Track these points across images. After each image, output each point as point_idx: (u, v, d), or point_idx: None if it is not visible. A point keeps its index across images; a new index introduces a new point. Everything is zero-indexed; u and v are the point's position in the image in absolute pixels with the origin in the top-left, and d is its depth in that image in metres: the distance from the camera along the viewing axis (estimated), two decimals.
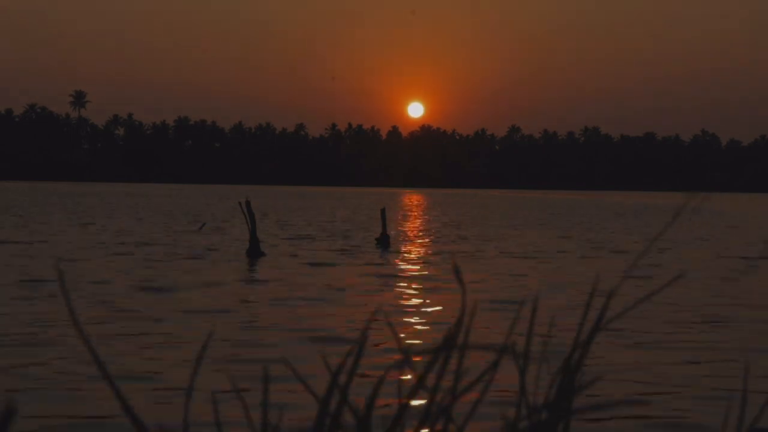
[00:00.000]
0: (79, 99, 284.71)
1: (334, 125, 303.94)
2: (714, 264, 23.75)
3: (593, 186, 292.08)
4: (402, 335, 11.84)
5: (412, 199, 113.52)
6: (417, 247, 28.49)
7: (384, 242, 28.15)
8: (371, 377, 8.45)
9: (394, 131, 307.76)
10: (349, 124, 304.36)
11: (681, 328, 12.83)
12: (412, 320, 13.31)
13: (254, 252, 23.78)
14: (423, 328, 12.61)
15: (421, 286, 17.59)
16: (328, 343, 11.14)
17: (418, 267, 21.84)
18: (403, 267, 21.78)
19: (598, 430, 7.50)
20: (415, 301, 15.50)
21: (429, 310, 14.38)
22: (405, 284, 17.99)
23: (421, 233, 37.12)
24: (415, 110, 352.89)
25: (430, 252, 26.65)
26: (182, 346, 10.80)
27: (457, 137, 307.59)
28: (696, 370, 9.95)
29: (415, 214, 62.35)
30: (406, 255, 25.33)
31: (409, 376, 8.78)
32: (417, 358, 8.85)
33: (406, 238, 33.01)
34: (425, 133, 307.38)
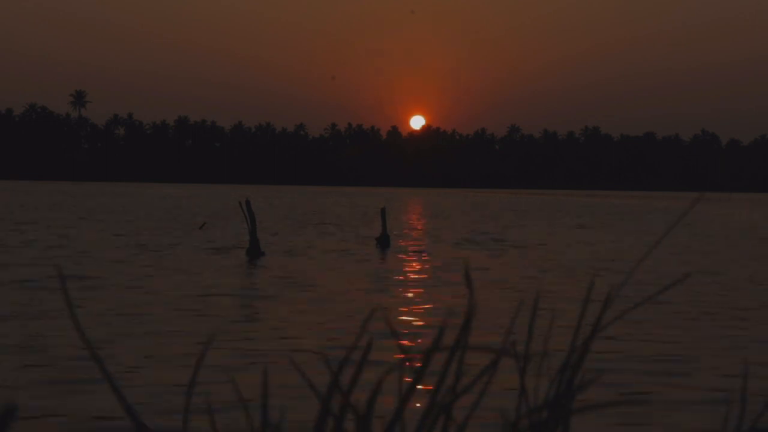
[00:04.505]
0: (79, 99, 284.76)
1: (334, 125, 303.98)
2: (710, 265, 23.75)
3: (593, 186, 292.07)
4: (402, 335, 11.84)
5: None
6: (416, 246, 28.47)
7: (384, 242, 28.14)
8: (372, 375, 8.45)
9: (394, 131, 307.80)
10: (349, 124, 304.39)
11: (681, 328, 12.83)
12: (413, 320, 13.30)
13: (254, 251, 23.79)
14: (423, 327, 12.61)
15: (421, 286, 17.58)
16: (329, 343, 11.14)
17: (419, 266, 21.83)
18: (402, 266, 21.77)
19: (597, 430, 7.50)
20: (415, 300, 15.50)
21: (429, 309, 14.38)
22: (405, 284, 17.98)
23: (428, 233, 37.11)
24: (417, 122, 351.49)
25: (429, 251, 26.63)
26: (182, 346, 10.79)
27: (457, 137, 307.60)
28: (696, 370, 9.95)
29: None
30: (406, 254, 25.31)
31: (409, 376, 8.78)
32: (418, 359, 8.86)
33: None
34: (425, 133, 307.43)
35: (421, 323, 13.03)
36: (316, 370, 9.31)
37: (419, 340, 11.52)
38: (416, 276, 19.68)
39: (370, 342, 2.01)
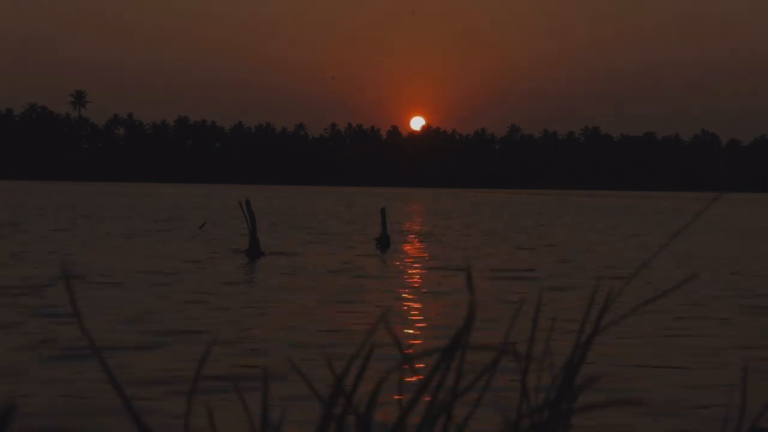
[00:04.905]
0: (79, 99, 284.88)
1: (334, 125, 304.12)
2: (711, 264, 23.75)
3: (593, 186, 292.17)
4: (402, 335, 11.84)
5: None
6: (417, 247, 28.47)
7: (384, 242, 28.12)
8: (372, 375, 8.46)
9: (394, 131, 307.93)
10: (349, 124, 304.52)
11: (681, 328, 12.83)
12: (413, 320, 13.31)
13: (254, 252, 23.78)
14: (423, 328, 12.61)
15: (421, 286, 17.58)
16: (329, 343, 11.15)
17: (419, 266, 21.82)
18: (403, 266, 21.76)
19: (598, 430, 7.50)
20: (415, 300, 15.50)
21: (429, 310, 14.38)
22: (405, 284, 17.98)
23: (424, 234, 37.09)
24: (417, 123, 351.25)
25: (430, 252, 26.63)
26: (182, 346, 10.79)
27: (457, 137, 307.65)
28: (696, 370, 9.95)
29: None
30: (406, 255, 25.31)
31: (410, 377, 8.78)
32: (418, 361, 8.83)
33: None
34: (425, 133, 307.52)
35: (421, 324, 13.03)
36: (316, 371, 9.31)
37: (419, 341, 11.52)
38: (416, 276, 19.67)
39: (371, 348, 2.13)
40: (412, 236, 34.68)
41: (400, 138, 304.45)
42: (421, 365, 9.12)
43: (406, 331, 12.29)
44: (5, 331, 11.55)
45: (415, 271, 20.75)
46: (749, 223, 53.50)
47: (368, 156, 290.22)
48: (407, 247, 28.33)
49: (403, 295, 16.30)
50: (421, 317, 13.63)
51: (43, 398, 8.21)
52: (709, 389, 9.02)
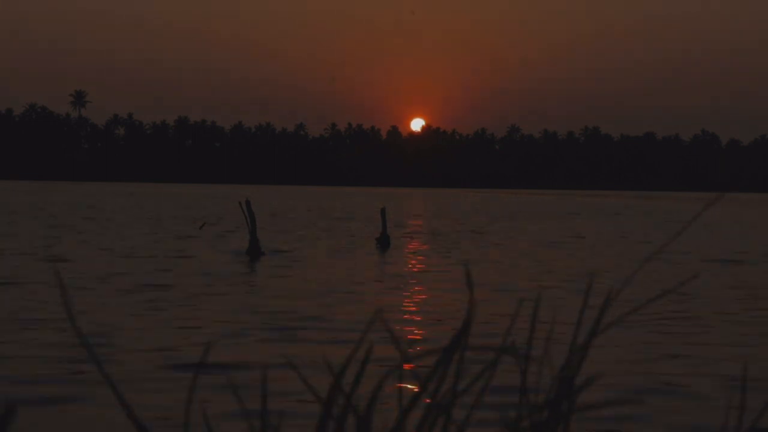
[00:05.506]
0: (79, 99, 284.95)
1: (334, 125, 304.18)
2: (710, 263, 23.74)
3: (593, 186, 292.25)
4: (401, 335, 11.83)
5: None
6: (417, 247, 28.46)
7: (384, 242, 28.12)
8: (371, 376, 8.45)
9: (394, 131, 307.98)
10: (349, 124, 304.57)
11: (681, 327, 12.82)
12: (413, 321, 13.30)
13: (254, 252, 23.78)
14: (423, 328, 12.61)
15: (421, 286, 17.58)
16: (329, 344, 11.14)
17: (419, 267, 21.82)
18: (403, 267, 21.76)
19: (597, 429, 7.50)
20: (415, 300, 15.50)
21: (429, 310, 14.37)
22: (405, 285, 17.98)
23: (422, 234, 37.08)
24: (417, 124, 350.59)
25: (430, 252, 26.62)
26: (181, 347, 10.78)
27: (457, 137, 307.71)
28: (696, 370, 9.94)
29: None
30: (406, 255, 25.31)
31: (409, 375, 8.78)
32: (418, 361, 8.81)
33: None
34: (425, 133, 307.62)
35: (421, 325, 13.03)
36: (315, 372, 9.31)
37: (419, 342, 11.51)
38: (416, 276, 19.66)
39: (370, 348, 2.26)
40: (412, 236, 34.65)
41: (400, 138, 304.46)
42: (422, 365, 9.11)
43: (405, 331, 12.28)
44: None
45: (414, 271, 20.74)
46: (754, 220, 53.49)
47: (368, 156, 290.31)
48: (407, 247, 28.32)
49: (403, 294, 16.29)
50: (421, 317, 13.62)
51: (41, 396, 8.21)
52: (709, 389, 9.01)
